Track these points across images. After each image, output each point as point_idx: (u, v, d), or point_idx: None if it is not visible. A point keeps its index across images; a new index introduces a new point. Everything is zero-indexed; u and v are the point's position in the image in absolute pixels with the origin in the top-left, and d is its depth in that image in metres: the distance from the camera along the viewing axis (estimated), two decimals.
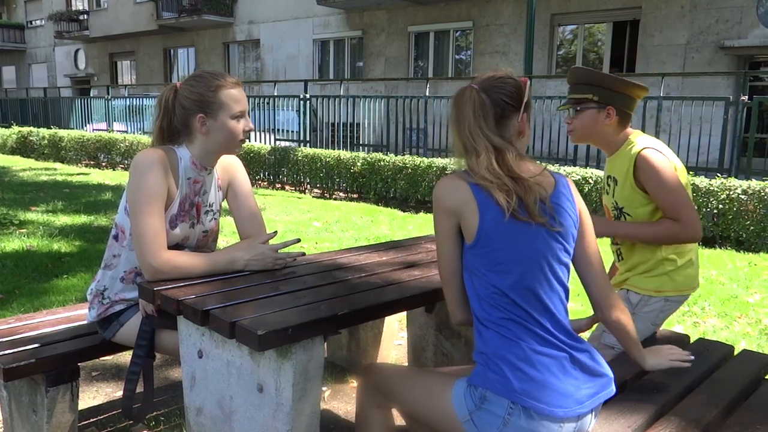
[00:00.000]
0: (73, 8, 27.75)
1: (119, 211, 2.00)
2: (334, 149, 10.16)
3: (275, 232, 2.13)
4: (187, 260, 1.88)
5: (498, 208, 1.48)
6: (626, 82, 2.12)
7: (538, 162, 1.67)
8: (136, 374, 1.96)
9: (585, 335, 2.52)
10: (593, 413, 1.52)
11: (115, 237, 2.02)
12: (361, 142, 10.42)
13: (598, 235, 2.02)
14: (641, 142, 2.12)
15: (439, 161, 8.52)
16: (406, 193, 8.63)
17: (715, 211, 6.24)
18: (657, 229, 2.11)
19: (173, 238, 1.97)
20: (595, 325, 2.50)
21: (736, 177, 6.72)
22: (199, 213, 2.06)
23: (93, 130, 14.88)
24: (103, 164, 13.43)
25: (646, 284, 2.15)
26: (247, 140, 2.11)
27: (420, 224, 7.05)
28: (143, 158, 1.88)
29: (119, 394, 2.74)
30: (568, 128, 2.23)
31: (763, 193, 6.03)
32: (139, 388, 2.02)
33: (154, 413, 2.50)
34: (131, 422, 2.43)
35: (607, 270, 2.06)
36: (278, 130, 11.30)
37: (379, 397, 1.71)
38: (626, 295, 2.19)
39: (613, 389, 1.57)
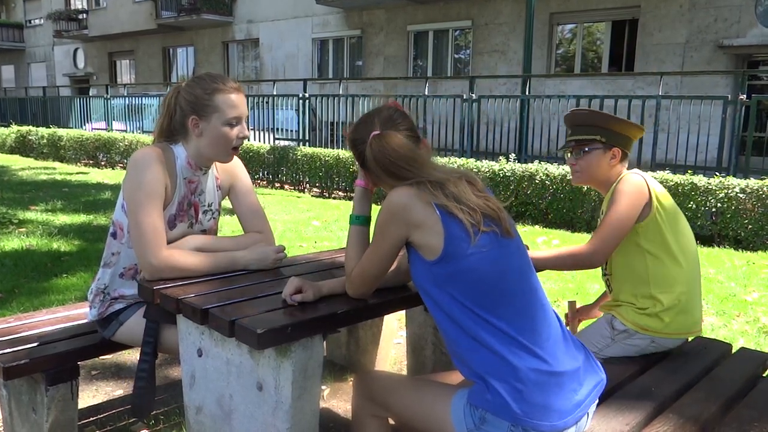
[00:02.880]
0: (72, 7, 27.73)
1: (117, 208, 2.00)
2: (333, 148, 10.17)
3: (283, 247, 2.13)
4: (187, 259, 1.89)
5: (463, 226, 1.46)
6: (629, 123, 2.14)
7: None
8: (145, 371, 1.94)
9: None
10: (588, 411, 1.53)
11: (114, 235, 2.02)
12: None
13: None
14: (629, 171, 2.14)
15: (437, 160, 8.50)
16: None
17: (713, 209, 6.25)
18: (561, 253, 2.14)
19: (172, 238, 1.97)
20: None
21: (734, 176, 6.73)
22: (197, 213, 2.06)
23: (92, 129, 14.88)
24: (102, 163, 13.43)
25: (634, 318, 2.07)
26: (246, 142, 2.11)
27: None
28: (141, 156, 1.88)
29: (119, 392, 2.74)
30: (573, 169, 2.22)
31: (761, 192, 6.04)
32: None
33: (154, 412, 2.51)
34: (131, 421, 2.43)
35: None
36: (277, 129, 11.29)
37: (374, 407, 1.69)
38: (611, 320, 2.13)
39: (604, 380, 1.58)
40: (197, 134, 1.94)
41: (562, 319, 1.67)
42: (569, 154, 2.23)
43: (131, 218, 1.87)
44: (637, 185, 2.06)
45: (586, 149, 2.16)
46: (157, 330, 1.93)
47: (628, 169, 2.20)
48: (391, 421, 1.74)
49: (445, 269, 1.48)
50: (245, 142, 2.04)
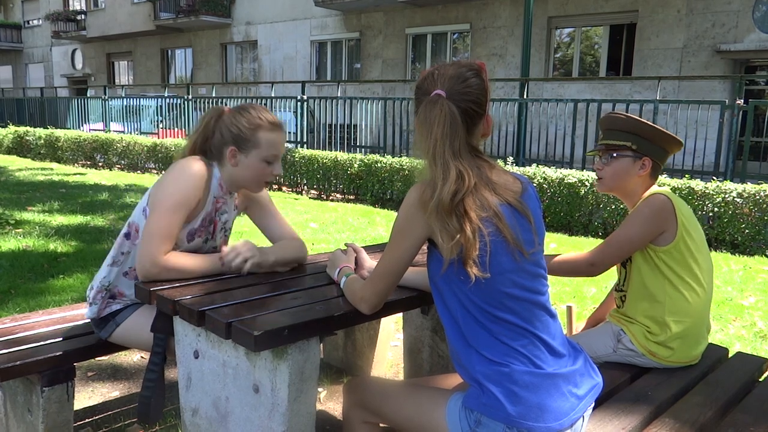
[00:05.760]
0: (71, 8, 27.73)
1: (136, 211, 2.00)
2: (331, 150, 10.17)
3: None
4: (183, 261, 1.88)
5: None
6: (667, 135, 2.04)
7: (497, 161, 1.60)
8: (153, 381, 1.93)
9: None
10: (584, 414, 1.53)
11: (127, 235, 2.01)
12: (358, 144, 10.42)
13: None
14: (659, 190, 2.05)
15: None
16: (402, 194, 8.64)
17: (710, 214, 6.26)
18: (561, 258, 2.10)
19: (187, 251, 1.98)
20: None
21: (731, 180, 6.74)
22: (215, 230, 2.08)
23: (90, 130, 14.86)
24: (100, 164, 13.41)
25: (645, 342, 2.03)
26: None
27: None
28: (189, 165, 1.89)
29: (115, 394, 2.73)
30: (598, 174, 2.12)
31: (758, 197, 6.06)
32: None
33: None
34: (127, 422, 2.43)
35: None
36: None
37: (365, 413, 1.67)
38: (618, 334, 2.07)
39: (600, 384, 1.57)
40: (233, 164, 1.97)
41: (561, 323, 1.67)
42: (598, 158, 2.13)
43: (151, 215, 1.87)
44: (660, 209, 1.96)
45: (614, 155, 2.06)
46: (165, 341, 1.92)
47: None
48: (382, 425, 1.74)
49: (458, 270, 1.45)
50: (269, 184, 2.07)
